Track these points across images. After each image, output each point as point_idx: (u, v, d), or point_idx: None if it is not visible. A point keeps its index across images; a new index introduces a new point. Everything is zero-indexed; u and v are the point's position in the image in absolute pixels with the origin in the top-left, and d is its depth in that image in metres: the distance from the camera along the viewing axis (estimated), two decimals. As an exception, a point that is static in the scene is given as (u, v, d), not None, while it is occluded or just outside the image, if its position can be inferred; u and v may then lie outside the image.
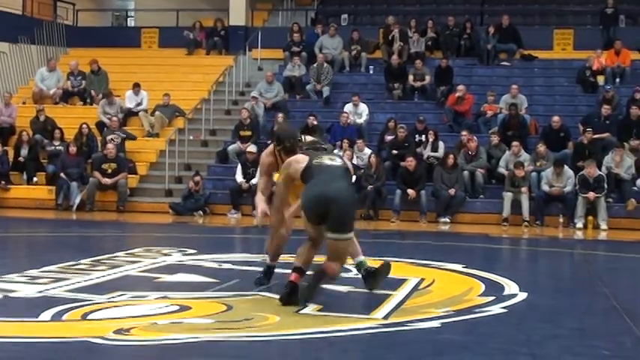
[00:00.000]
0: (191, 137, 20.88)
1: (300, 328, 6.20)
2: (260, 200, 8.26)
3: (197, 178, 18.48)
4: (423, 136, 19.14)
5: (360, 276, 8.09)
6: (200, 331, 6.01)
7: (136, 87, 21.85)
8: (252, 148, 19.03)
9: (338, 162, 7.52)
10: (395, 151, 18.71)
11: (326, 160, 7.47)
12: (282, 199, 7.85)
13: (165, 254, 10.60)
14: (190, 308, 6.89)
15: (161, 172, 19.89)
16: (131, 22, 30.87)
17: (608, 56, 22.28)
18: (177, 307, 6.90)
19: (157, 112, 21.43)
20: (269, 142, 19.26)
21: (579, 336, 6.36)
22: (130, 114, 21.67)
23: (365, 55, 23.38)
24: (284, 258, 8.36)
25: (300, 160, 7.50)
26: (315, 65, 22.41)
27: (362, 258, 8.13)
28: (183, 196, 18.52)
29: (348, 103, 20.78)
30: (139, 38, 26.25)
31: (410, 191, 17.60)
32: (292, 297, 7.09)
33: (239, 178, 18.52)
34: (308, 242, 7.41)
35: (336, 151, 7.71)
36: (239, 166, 18.74)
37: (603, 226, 17.07)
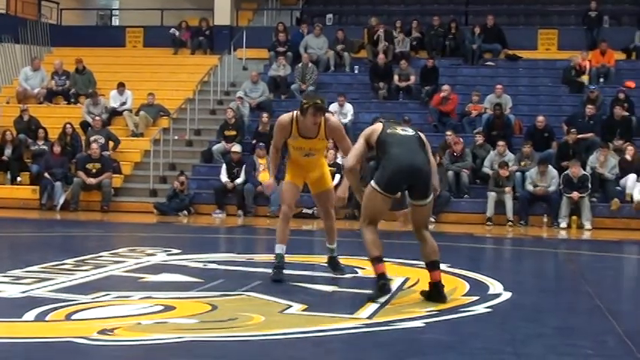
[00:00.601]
0: (176, 137, 20.85)
1: (285, 328, 6.20)
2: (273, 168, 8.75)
3: (182, 178, 18.45)
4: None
5: (346, 276, 8.10)
6: (184, 331, 5.99)
7: (121, 86, 21.80)
8: (236, 147, 19.05)
9: (410, 132, 7.60)
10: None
11: (399, 130, 7.54)
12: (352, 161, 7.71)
13: (150, 254, 10.58)
14: (175, 308, 6.88)
15: (146, 172, 19.86)
16: (115, 22, 30.79)
17: (593, 56, 22.37)
18: (162, 307, 6.88)
19: (141, 112, 21.38)
20: (254, 141, 19.41)
21: (563, 335, 6.38)
22: (114, 114, 21.61)
23: (350, 54, 23.40)
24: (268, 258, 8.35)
25: (377, 129, 7.60)
26: (300, 65, 22.41)
27: (335, 245, 8.76)
28: (168, 196, 18.49)
29: (333, 102, 20.77)
30: (123, 38, 26.20)
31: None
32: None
33: (224, 177, 18.51)
34: (371, 226, 7.47)
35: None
36: (224, 166, 18.73)
37: (587, 225, 17.14)
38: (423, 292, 7.54)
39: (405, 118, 19.38)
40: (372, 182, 7.37)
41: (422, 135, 7.71)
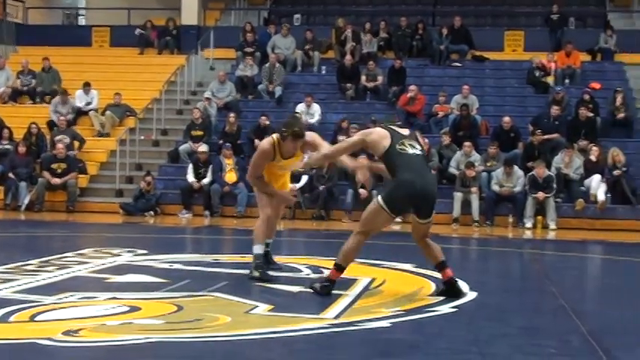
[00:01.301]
0: (142, 137, 20.76)
1: (251, 328, 6.19)
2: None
3: (148, 178, 18.38)
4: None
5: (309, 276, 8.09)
6: (150, 332, 5.97)
7: (87, 86, 21.67)
8: (203, 147, 19.00)
9: (418, 149, 7.67)
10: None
11: (408, 147, 7.61)
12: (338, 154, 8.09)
13: (116, 255, 10.52)
14: (140, 309, 6.85)
15: (112, 172, 19.76)
16: (82, 21, 30.60)
17: (558, 58, 22.54)
18: (127, 308, 6.85)
19: (107, 112, 21.27)
20: (221, 141, 19.36)
21: (527, 335, 6.42)
22: (80, 113, 21.48)
23: (317, 55, 23.42)
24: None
25: (383, 136, 7.64)
26: (267, 65, 22.39)
27: (271, 240, 9.04)
28: (134, 196, 18.41)
29: (300, 103, 20.79)
30: (89, 37, 26.05)
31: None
32: None
33: (190, 178, 18.46)
34: (362, 237, 7.70)
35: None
36: (190, 166, 18.68)
37: (552, 225, 17.26)
38: (440, 293, 7.83)
39: (373, 119, 19.44)
40: (380, 199, 7.54)
41: (422, 142, 7.87)
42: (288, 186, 9.24)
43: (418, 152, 7.64)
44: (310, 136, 8.63)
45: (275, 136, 8.62)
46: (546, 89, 21.79)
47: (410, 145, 7.63)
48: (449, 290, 7.72)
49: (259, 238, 8.67)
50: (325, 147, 8.40)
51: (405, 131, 7.86)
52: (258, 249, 8.64)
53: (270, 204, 8.84)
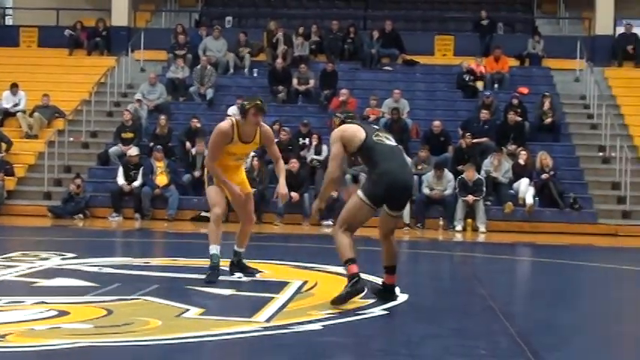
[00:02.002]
0: (71, 139, 20.51)
1: (182, 332, 6.14)
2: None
3: (77, 181, 18.17)
4: (307, 139, 19.24)
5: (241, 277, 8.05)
6: (79, 337, 5.89)
7: (14, 87, 21.35)
8: (134, 150, 18.84)
9: (393, 141, 7.60)
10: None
11: (384, 139, 7.52)
12: (338, 172, 7.75)
13: (44, 258, 10.37)
14: (69, 313, 6.76)
15: (40, 175, 19.50)
16: (9, 21, 30.07)
17: (487, 63, 22.82)
18: (56, 313, 6.76)
19: (35, 113, 20.97)
20: (151, 144, 19.21)
21: (458, 336, 6.48)
22: (7, 115, 21.14)
23: (248, 57, 23.37)
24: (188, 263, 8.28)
25: (357, 130, 7.51)
26: (198, 67, 22.29)
27: (243, 250, 9.03)
28: (63, 199, 18.18)
29: (232, 105, 20.72)
30: (17, 37, 25.66)
31: (293, 194, 17.64)
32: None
33: (120, 180, 18.29)
34: (348, 232, 7.48)
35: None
36: (120, 169, 18.52)
37: (482, 228, 17.46)
38: (375, 292, 7.75)
39: (305, 122, 19.48)
40: (361, 193, 7.42)
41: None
42: (248, 186, 9.01)
43: (394, 144, 7.58)
44: (267, 128, 8.66)
45: (234, 118, 8.57)
46: (475, 94, 22.05)
47: (385, 137, 7.58)
48: (385, 292, 7.65)
49: (211, 239, 8.63)
50: (276, 154, 8.65)
51: (375, 126, 7.88)
52: (211, 249, 8.61)
53: (219, 203, 8.68)
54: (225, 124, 8.48)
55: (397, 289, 8.03)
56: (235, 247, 9.08)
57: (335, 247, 7.50)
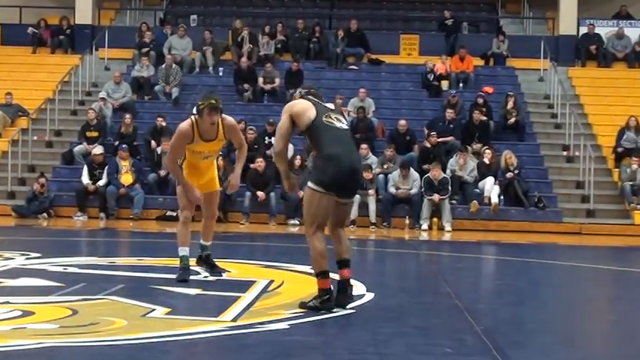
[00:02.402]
0: (35, 138, 20.36)
1: (148, 331, 6.11)
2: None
3: (42, 180, 18.03)
4: (273, 138, 19.18)
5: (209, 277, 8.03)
6: (44, 337, 5.84)
7: (-23, 85, 21.16)
8: (98, 149, 18.73)
9: (344, 123, 7.38)
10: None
11: (335, 121, 7.25)
12: (281, 144, 7.38)
13: (8, 258, 10.27)
14: (34, 313, 6.70)
15: (3, 174, 19.34)
16: (-28, 18, 29.78)
17: (452, 62, 22.92)
18: (20, 313, 6.70)
19: (-2, 112, 20.81)
20: (116, 143, 19.11)
21: (424, 334, 6.50)
22: (-30, 113, 20.96)
23: (211, 56, 23.25)
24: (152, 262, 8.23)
25: (308, 107, 7.24)
26: (163, 66, 22.19)
27: (210, 244, 9.01)
28: (27, 199, 18.03)
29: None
30: (-20, 35, 25.42)
31: (259, 193, 17.65)
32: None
33: (85, 179, 18.19)
34: (319, 234, 7.15)
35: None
36: (85, 168, 18.42)
37: (447, 227, 17.54)
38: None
39: (270, 121, 19.45)
40: (311, 184, 7.08)
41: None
42: (216, 183, 8.91)
43: (345, 127, 7.34)
44: (231, 120, 8.61)
45: (193, 117, 8.41)
46: (439, 93, 22.15)
47: (336, 118, 7.29)
48: (339, 291, 7.15)
49: (180, 241, 8.61)
50: (241, 143, 8.66)
51: (330, 105, 7.57)
52: (180, 251, 8.58)
53: (188, 206, 8.63)
54: (184, 125, 8.38)
55: (358, 289, 8.03)
56: (201, 241, 9.05)
57: (310, 251, 7.21)
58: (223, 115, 8.48)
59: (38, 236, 14.97)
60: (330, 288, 7.12)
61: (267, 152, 18.83)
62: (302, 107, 7.27)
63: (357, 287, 8.49)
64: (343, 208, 7.34)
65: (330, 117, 7.24)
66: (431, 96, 22.36)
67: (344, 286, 7.21)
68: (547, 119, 21.98)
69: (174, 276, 8.64)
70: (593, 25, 24.25)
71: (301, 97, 7.52)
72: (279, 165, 7.64)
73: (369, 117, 20.32)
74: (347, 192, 7.22)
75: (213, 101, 8.20)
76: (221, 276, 8.93)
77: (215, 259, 9.21)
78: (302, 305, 7.16)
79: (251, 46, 23.08)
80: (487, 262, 13.50)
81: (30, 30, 24.52)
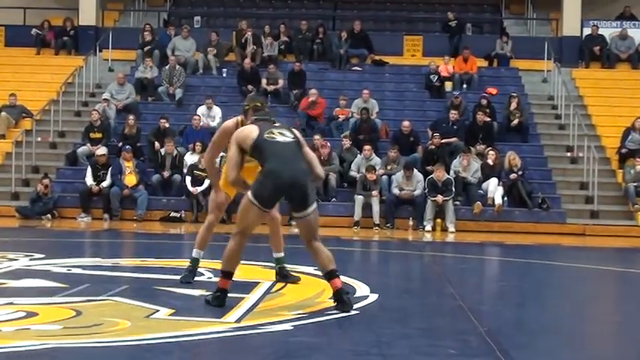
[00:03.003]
0: (39, 139, 20.37)
1: (152, 333, 6.11)
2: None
3: (45, 181, 18.05)
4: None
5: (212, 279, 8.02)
6: (48, 338, 5.85)
7: (-20, 87, 21.18)
8: (102, 150, 18.74)
9: (289, 137, 7.31)
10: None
11: (278, 136, 7.24)
12: (233, 173, 7.41)
13: (12, 259, 10.28)
14: (37, 314, 6.71)
15: (7, 175, 19.35)
16: (-24, 20, 29.82)
17: (456, 63, 22.92)
18: (24, 314, 6.70)
19: (2, 113, 20.83)
20: (120, 144, 19.13)
21: (428, 336, 6.50)
22: (-27, 114, 20.98)
23: (213, 57, 23.23)
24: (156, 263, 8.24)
25: (250, 130, 7.32)
26: (167, 67, 22.20)
27: (282, 254, 8.70)
28: (31, 200, 18.05)
29: (201, 105, 20.67)
30: (-16, 36, 25.45)
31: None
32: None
33: (89, 180, 18.20)
34: (239, 238, 7.24)
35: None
36: (89, 169, 18.43)
37: (451, 228, 17.52)
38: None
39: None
40: (250, 194, 7.16)
41: (298, 134, 7.49)
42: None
43: (289, 140, 7.28)
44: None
45: (239, 117, 8.20)
46: (442, 94, 22.15)
47: (279, 133, 7.28)
48: (337, 301, 7.19)
49: (196, 242, 8.56)
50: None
51: (277, 123, 7.56)
52: (194, 253, 8.54)
53: (215, 210, 8.51)
54: (229, 122, 8.20)
55: (362, 290, 8.03)
56: (273, 254, 8.84)
57: (226, 249, 7.31)
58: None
59: (42, 237, 14.98)
60: (226, 289, 7.18)
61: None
62: (244, 134, 7.36)
63: (361, 288, 8.50)
64: (301, 222, 7.28)
65: (273, 133, 7.28)
66: (433, 97, 22.35)
67: (340, 296, 7.20)
68: (551, 120, 21.97)
69: (178, 277, 8.64)
70: (596, 26, 24.23)
71: (251, 122, 7.57)
72: (240, 190, 7.65)
73: (373, 118, 20.32)
74: (295, 204, 7.20)
75: (259, 104, 8.00)
76: (296, 283, 8.71)
77: (219, 260, 9.19)
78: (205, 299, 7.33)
79: (255, 47, 23.09)
80: (491, 264, 13.49)
81: (34, 31, 24.54)
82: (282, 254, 8.78)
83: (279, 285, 8.57)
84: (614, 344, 6.82)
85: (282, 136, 7.30)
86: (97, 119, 19.73)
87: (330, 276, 7.24)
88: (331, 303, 7.60)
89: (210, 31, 23.96)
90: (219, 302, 7.15)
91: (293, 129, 7.53)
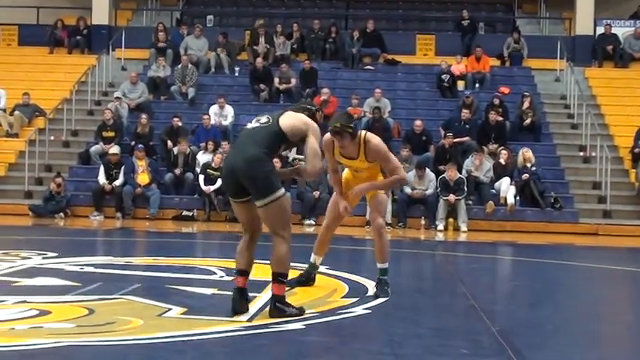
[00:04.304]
0: (52, 138, 20.43)
1: (164, 331, 6.13)
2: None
3: (58, 180, 18.09)
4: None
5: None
6: (61, 336, 5.87)
7: (-6, 85, 21.27)
8: (115, 149, 18.78)
9: (263, 121, 6.92)
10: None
11: (253, 123, 7.01)
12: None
13: (25, 257, 10.32)
14: (50, 313, 6.73)
15: (20, 173, 19.40)
16: (-11, 19, 29.92)
17: (468, 62, 22.88)
18: (37, 312, 6.73)
19: (16, 112, 20.90)
20: (133, 143, 19.17)
21: (440, 336, 6.49)
22: (-13, 113, 21.06)
23: (225, 57, 23.24)
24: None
25: None
26: (179, 66, 22.24)
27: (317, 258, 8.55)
28: (44, 198, 18.09)
29: (213, 104, 20.69)
30: (-3, 35, 25.54)
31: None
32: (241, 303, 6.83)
33: (101, 179, 18.24)
34: (242, 235, 7.03)
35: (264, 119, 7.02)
36: (101, 168, 18.46)
37: (463, 227, 17.50)
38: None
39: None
40: None
41: (290, 119, 6.93)
42: (351, 197, 8.09)
43: (256, 125, 6.90)
44: (375, 144, 7.93)
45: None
46: (455, 93, 22.12)
47: (257, 119, 6.99)
48: (271, 307, 6.81)
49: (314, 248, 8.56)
50: (392, 172, 7.94)
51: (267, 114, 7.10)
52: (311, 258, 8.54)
53: (331, 211, 8.29)
54: (327, 135, 7.74)
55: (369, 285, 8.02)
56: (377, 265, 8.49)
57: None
58: (369, 137, 7.91)
59: (55, 236, 15.02)
60: (236, 287, 6.90)
61: (283, 152, 18.82)
62: None
63: (374, 288, 8.49)
64: (261, 213, 6.79)
65: (251, 122, 7.04)
66: (445, 96, 22.32)
67: (273, 302, 6.81)
68: (563, 120, 21.91)
69: (190, 276, 8.66)
70: (610, 25, 24.15)
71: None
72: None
73: (385, 117, 20.31)
74: (233, 191, 6.83)
75: (337, 125, 7.60)
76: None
77: (231, 259, 9.20)
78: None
79: (267, 46, 23.10)
80: (503, 263, 13.47)
81: (48, 30, 24.57)
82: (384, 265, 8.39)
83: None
84: (626, 344, 6.80)
85: (257, 122, 6.96)
86: (109, 118, 19.77)
87: (272, 278, 6.87)
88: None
89: (220, 30, 23.97)
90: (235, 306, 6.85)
91: (290, 112, 7.07)
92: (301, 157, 18.72)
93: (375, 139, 7.93)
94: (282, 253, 6.83)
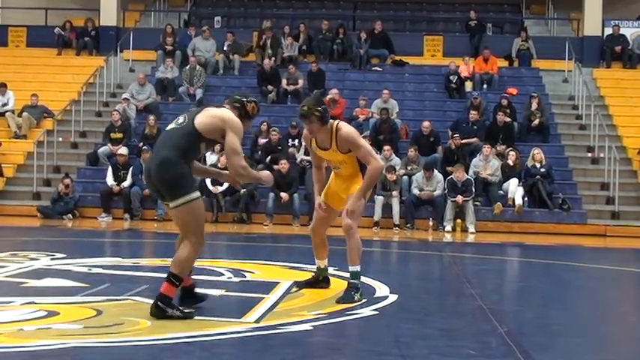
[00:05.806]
0: (60, 139, 20.47)
1: (172, 332, 6.14)
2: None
3: (67, 181, 18.13)
4: (296, 140, 19.24)
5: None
6: (69, 337, 5.88)
7: (3, 87, 21.33)
8: (123, 150, 18.81)
9: (180, 121, 6.86)
10: (268, 155, 18.77)
11: (173, 123, 6.96)
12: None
13: (33, 258, 10.34)
14: (58, 314, 6.74)
15: (29, 175, 19.45)
16: (-2, 20, 30.01)
17: (476, 63, 22.87)
18: (45, 313, 6.74)
19: (24, 113, 20.94)
20: (141, 144, 19.19)
21: (447, 337, 6.49)
22: (-5, 114, 21.12)
23: (237, 58, 23.33)
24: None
25: None
26: (187, 67, 22.27)
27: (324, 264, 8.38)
28: (53, 199, 18.13)
29: (221, 106, 20.68)
30: (5, 37, 25.59)
31: (283, 194, 17.66)
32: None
33: (110, 180, 18.27)
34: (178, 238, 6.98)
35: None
36: (110, 169, 18.50)
37: (471, 229, 17.48)
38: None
39: (293, 124, 19.43)
40: None
41: (201, 117, 6.88)
42: (338, 203, 8.09)
43: (174, 126, 6.85)
44: (345, 132, 7.68)
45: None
46: (463, 94, 22.11)
47: (175, 120, 6.94)
48: (152, 306, 6.65)
49: (314, 253, 8.45)
50: (365, 158, 7.63)
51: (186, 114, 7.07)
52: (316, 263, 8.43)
53: (315, 212, 8.25)
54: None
55: (382, 290, 8.00)
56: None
57: None
58: (340, 124, 7.73)
59: (63, 237, 15.05)
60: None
61: (290, 151, 18.87)
62: None
63: (381, 289, 8.50)
64: (172, 215, 6.86)
65: (172, 122, 6.97)
66: (453, 97, 22.31)
67: (156, 301, 6.67)
68: (572, 120, 21.88)
69: (197, 277, 8.65)
70: (618, 26, 24.12)
71: None
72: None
73: (393, 118, 20.31)
74: (159, 197, 6.85)
75: (305, 107, 7.55)
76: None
77: (239, 260, 9.22)
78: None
79: (270, 52, 23.12)
80: (511, 264, 13.45)
81: (57, 30, 24.63)
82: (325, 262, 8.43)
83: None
84: (635, 346, 6.79)
85: (175, 123, 6.92)
86: (117, 119, 19.81)
87: (167, 276, 6.74)
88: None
89: (228, 31, 24.00)
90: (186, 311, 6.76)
91: (208, 109, 7.05)
92: (308, 157, 18.75)
93: (345, 127, 7.74)
94: (184, 256, 6.74)
